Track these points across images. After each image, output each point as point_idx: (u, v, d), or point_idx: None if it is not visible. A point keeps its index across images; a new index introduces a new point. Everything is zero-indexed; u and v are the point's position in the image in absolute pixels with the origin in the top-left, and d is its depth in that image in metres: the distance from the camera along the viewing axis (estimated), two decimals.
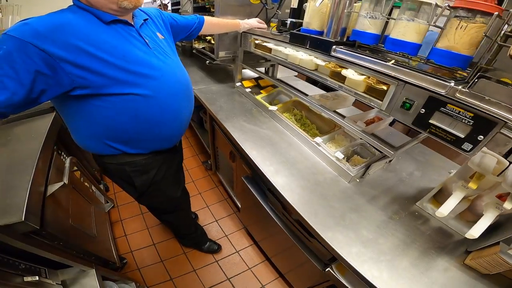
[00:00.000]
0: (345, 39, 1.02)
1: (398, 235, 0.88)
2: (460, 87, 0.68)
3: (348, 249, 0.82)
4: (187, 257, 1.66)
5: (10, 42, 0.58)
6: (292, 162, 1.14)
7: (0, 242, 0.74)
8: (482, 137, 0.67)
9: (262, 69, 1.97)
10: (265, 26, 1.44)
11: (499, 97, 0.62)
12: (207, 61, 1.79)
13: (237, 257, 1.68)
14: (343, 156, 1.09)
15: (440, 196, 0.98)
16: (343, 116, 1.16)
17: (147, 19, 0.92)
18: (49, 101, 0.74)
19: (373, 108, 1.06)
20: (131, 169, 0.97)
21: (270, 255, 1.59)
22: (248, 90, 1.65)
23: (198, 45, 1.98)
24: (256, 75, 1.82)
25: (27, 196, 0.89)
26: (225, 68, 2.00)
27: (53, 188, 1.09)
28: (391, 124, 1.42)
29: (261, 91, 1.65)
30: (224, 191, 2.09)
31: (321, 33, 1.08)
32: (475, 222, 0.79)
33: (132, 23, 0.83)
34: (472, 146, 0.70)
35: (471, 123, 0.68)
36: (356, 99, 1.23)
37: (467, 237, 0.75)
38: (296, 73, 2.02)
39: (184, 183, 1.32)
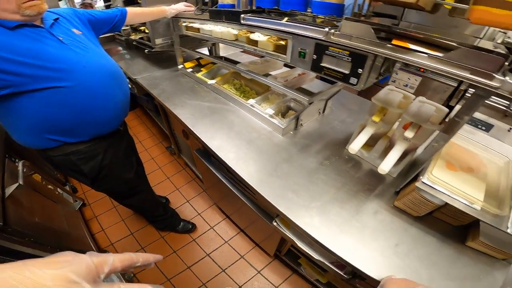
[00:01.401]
0: (253, 8, 1.12)
1: (329, 181, 0.97)
2: (333, 31, 0.82)
3: (281, 200, 0.90)
4: (165, 240, 1.78)
5: None
6: (230, 126, 1.26)
7: None
8: (361, 70, 0.80)
9: (205, 50, 2.04)
10: (193, 8, 1.47)
11: (361, 33, 0.75)
12: (146, 50, 1.82)
13: (213, 233, 1.81)
14: (273, 111, 1.23)
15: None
16: (274, 77, 1.29)
17: (58, 18, 0.97)
18: None
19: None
20: (76, 158, 1.04)
21: (242, 227, 1.72)
22: (189, 70, 1.73)
23: (135, 36, 2.00)
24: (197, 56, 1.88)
25: None
26: (169, 54, 2.04)
27: (9, 190, 1.15)
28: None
29: (202, 69, 1.74)
30: (191, 171, 2.20)
31: (233, 6, 1.17)
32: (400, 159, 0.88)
33: (42, 25, 0.88)
34: (356, 79, 0.83)
35: (350, 60, 0.82)
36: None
37: (379, 172, 0.83)
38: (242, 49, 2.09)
39: (137, 165, 1.37)
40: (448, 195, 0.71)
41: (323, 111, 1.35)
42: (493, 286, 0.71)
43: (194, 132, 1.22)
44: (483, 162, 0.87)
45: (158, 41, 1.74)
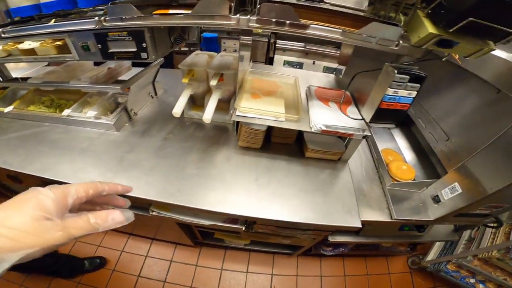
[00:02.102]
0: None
1: (177, 150, 1.04)
2: (103, 18, 0.78)
3: (140, 186, 0.90)
4: (84, 285, 1.53)
5: None
6: (53, 146, 1.05)
7: None
8: (145, 44, 0.82)
9: None
10: None
11: (129, 13, 0.75)
12: None
13: (127, 255, 1.68)
14: (96, 112, 1.11)
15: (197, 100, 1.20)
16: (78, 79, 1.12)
17: None
18: None
19: None
20: None
21: (151, 236, 1.67)
22: None
23: None
24: None
25: None
26: None
27: None
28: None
29: None
30: None
31: None
32: (228, 109, 1.01)
33: None
34: (145, 53, 0.84)
35: (131, 38, 0.81)
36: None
37: (204, 121, 0.91)
38: (46, 63, 1.64)
39: None
40: (259, 117, 0.91)
41: (155, 94, 1.35)
42: (346, 183, 0.98)
43: (39, 175, 0.94)
44: (279, 85, 1.14)
45: None
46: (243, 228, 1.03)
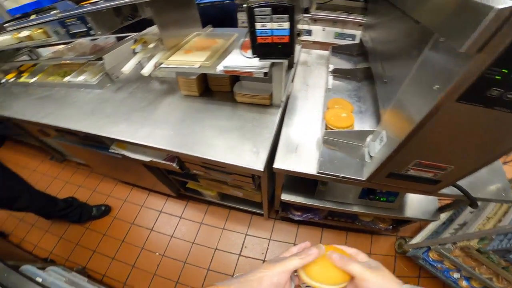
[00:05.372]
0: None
1: (136, 100, 1.28)
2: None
3: (99, 127, 1.16)
4: (91, 229, 1.90)
5: None
6: (61, 104, 1.39)
7: None
8: (89, 24, 1.00)
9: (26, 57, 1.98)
10: None
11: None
12: None
13: (128, 204, 2.00)
14: (85, 77, 1.42)
15: None
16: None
17: None
18: None
19: None
20: None
21: (151, 186, 1.93)
22: (12, 80, 1.71)
23: None
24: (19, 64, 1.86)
25: None
26: None
27: None
28: None
29: (23, 74, 1.74)
30: (83, 166, 2.31)
31: None
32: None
33: None
34: (93, 31, 1.02)
35: (80, 22, 1.00)
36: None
37: (143, 74, 1.07)
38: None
39: (3, 173, 1.45)
40: (176, 66, 1.02)
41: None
42: (268, 127, 1.02)
43: (41, 122, 1.31)
44: (217, 42, 1.19)
45: None
46: (175, 165, 1.16)
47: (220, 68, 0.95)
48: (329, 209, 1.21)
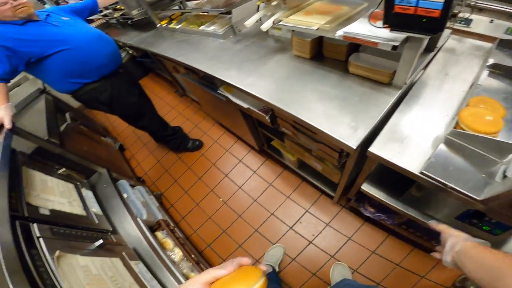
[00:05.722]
0: None
1: (249, 53, 1.41)
2: None
3: (217, 70, 1.35)
4: (181, 160, 2.33)
5: None
6: (194, 47, 1.69)
7: (46, 150, 1.33)
8: None
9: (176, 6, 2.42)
10: None
11: None
12: (129, 21, 2.32)
13: (216, 145, 2.30)
14: (214, 27, 1.68)
15: None
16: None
17: (48, 14, 1.46)
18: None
19: None
20: (94, 92, 1.58)
21: (240, 135, 2.13)
22: (165, 25, 2.17)
23: (117, 15, 2.54)
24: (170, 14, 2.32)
25: (46, 129, 1.55)
26: (148, 19, 2.47)
27: (62, 127, 1.77)
28: None
29: (173, 21, 2.16)
30: (194, 101, 2.74)
31: None
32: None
33: (39, 19, 1.38)
34: None
35: None
36: None
37: (262, 30, 1.18)
38: None
39: (140, 94, 1.86)
40: (293, 25, 1.03)
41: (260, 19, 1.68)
42: (378, 106, 0.91)
43: (176, 59, 1.65)
44: (342, 8, 1.10)
45: (134, 12, 2.21)
46: (267, 117, 1.23)
47: (339, 33, 0.90)
48: (410, 218, 1.05)
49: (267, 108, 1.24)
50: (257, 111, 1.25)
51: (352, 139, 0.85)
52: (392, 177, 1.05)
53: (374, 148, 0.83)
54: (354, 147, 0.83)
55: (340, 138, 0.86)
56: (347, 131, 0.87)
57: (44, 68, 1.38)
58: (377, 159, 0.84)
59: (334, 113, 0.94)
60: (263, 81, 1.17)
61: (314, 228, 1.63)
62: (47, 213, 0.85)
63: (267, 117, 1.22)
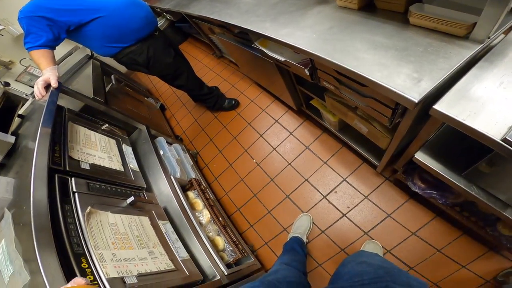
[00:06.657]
0: None
1: (285, 4, 1.24)
2: None
3: (249, 21, 1.25)
4: (217, 119, 2.33)
5: (25, 20, 1.24)
6: (229, 4, 1.56)
7: (91, 107, 1.46)
8: None
9: None
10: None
11: None
12: None
13: (253, 105, 2.22)
14: None
15: None
16: None
17: None
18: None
19: None
20: (132, 55, 1.60)
21: (278, 94, 1.98)
22: None
23: None
24: None
25: (92, 90, 1.64)
26: None
27: (107, 88, 1.87)
28: None
29: None
30: (233, 64, 2.63)
31: None
32: None
33: None
34: None
35: None
36: None
37: None
38: None
39: (176, 54, 1.82)
40: None
41: None
42: (449, 58, 0.70)
43: (210, 17, 1.55)
44: None
45: None
46: (306, 71, 1.08)
47: None
48: (472, 200, 0.86)
49: (306, 61, 1.08)
50: (296, 64, 1.11)
51: (413, 91, 0.67)
52: (455, 147, 0.88)
53: (441, 106, 0.65)
54: (416, 101, 0.65)
55: (398, 89, 0.68)
56: (407, 82, 0.69)
57: (84, 34, 1.43)
58: (444, 119, 0.66)
59: (388, 63, 0.75)
60: (301, 31, 1.01)
61: (350, 199, 1.50)
62: (87, 167, 0.91)
63: (306, 70, 1.07)
